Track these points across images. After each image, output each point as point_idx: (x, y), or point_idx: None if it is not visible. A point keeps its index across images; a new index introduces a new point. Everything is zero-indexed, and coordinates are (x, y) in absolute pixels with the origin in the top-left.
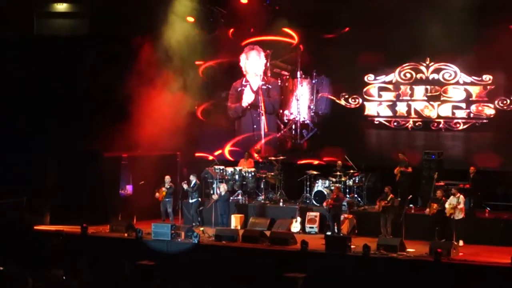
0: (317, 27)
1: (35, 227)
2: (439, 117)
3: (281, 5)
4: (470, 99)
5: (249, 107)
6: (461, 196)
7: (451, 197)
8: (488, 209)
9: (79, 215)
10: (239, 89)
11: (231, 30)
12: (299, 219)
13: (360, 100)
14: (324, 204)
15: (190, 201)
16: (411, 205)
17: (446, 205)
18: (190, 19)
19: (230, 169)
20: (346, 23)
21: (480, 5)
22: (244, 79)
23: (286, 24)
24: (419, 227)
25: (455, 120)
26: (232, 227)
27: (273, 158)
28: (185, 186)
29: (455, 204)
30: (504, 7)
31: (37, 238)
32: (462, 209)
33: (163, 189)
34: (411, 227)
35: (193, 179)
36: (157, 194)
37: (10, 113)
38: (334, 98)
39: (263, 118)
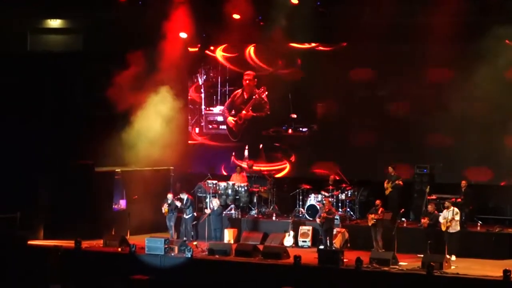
0: (311, 41)
1: (29, 242)
2: (431, 130)
3: (274, 20)
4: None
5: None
6: (455, 209)
7: (444, 211)
8: (480, 222)
9: (72, 230)
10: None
11: (224, 45)
12: (292, 233)
13: (351, 115)
14: (317, 219)
15: (185, 216)
16: (403, 219)
17: (441, 219)
18: (183, 34)
19: (223, 184)
20: (340, 38)
21: (472, 19)
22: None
23: (280, 39)
24: (412, 241)
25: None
26: (225, 241)
27: (265, 172)
28: (178, 204)
29: (450, 217)
30: (497, 21)
31: (31, 253)
32: (457, 221)
33: (165, 205)
34: (403, 241)
35: (183, 196)
36: (163, 209)
37: (2, 129)
38: (325, 112)
39: None
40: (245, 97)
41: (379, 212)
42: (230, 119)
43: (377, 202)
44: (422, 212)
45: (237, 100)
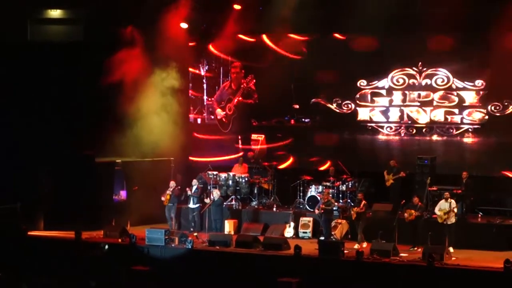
0: (312, 33)
1: (29, 233)
2: (432, 122)
3: (275, 10)
4: (463, 104)
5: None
6: (453, 201)
7: (442, 201)
8: (481, 214)
9: (72, 221)
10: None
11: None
12: (292, 224)
13: (353, 106)
14: (316, 210)
15: (191, 206)
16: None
17: (436, 211)
18: (184, 25)
19: (223, 175)
20: (339, 29)
21: (472, 11)
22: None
23: (280, 29)
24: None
25: (448, 126)
26: (226, 232)
27: (266, 163)
28: (189, 192)
29: (448, 209)
30: (496, 12)
31: (31, 244)
32: (454, 214)
33: (167, 192)
34: (404, 232)
35: (194, 184)
36: (162, 198)
37: (2, 119)
38: (327, 103)
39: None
40: (233, 88)
41: (361, 205)
42: (219, 111)
43: (360, 195)
44: (406, 205)
45: (226, 92)
